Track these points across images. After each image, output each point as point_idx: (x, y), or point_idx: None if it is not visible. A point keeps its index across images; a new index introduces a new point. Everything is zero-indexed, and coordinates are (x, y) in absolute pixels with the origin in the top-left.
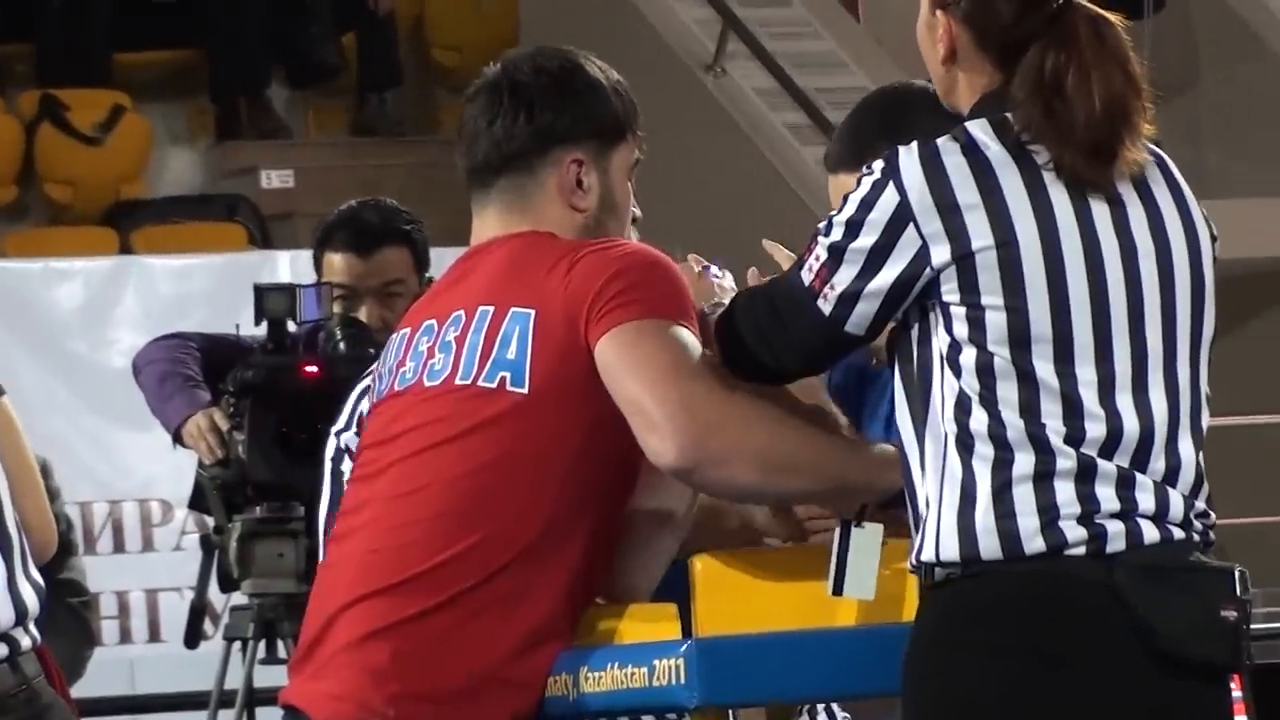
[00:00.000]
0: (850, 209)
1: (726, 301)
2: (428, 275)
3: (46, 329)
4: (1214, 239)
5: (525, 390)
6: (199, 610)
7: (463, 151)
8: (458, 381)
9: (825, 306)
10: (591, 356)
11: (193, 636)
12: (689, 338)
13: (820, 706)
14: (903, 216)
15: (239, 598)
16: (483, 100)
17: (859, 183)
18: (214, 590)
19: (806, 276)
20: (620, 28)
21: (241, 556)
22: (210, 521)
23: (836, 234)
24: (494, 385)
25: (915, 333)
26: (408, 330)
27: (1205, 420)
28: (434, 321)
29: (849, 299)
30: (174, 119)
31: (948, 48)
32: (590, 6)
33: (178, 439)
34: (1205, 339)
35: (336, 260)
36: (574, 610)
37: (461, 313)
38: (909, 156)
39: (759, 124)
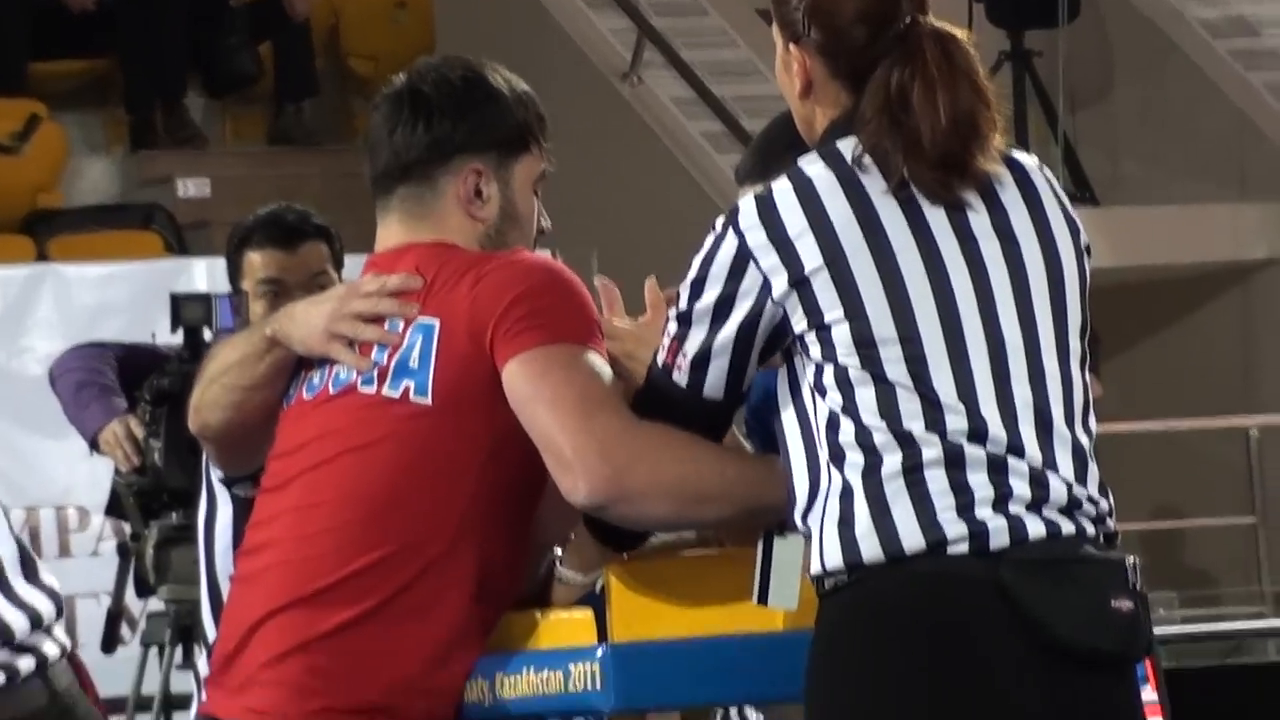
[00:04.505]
0: (694, 270)
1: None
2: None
3: None
4: (1077, 232)
5: (429, 401)
6: (116, 616)
7: (368, 159)
8: (361, 389)
9: (680, 378)
10: (496, 371)
11: (110, 642)
12: (596, 363)
13: (734, 709)
14: (743, 258)
15: (155, 603)
16: (386, 109)
17: (703, 243)
18: (131, 596)
19: (661, 355)
20: (537, 37)
21: (158, 563)
22: (127, 528)
23: (682, 301)
24: (398, 395)
25: (789, 384)
26: None
27: (1082, 406)
28: None
29: (700, 363)
30: (90, 128)
31: (804, 81)
32: (507, 16)
33: (94, 446)
34: (1072, 330)
35: (258, 258)
36: (488, 614)
37: None
38: (747, 201)
39: (676, 132)
